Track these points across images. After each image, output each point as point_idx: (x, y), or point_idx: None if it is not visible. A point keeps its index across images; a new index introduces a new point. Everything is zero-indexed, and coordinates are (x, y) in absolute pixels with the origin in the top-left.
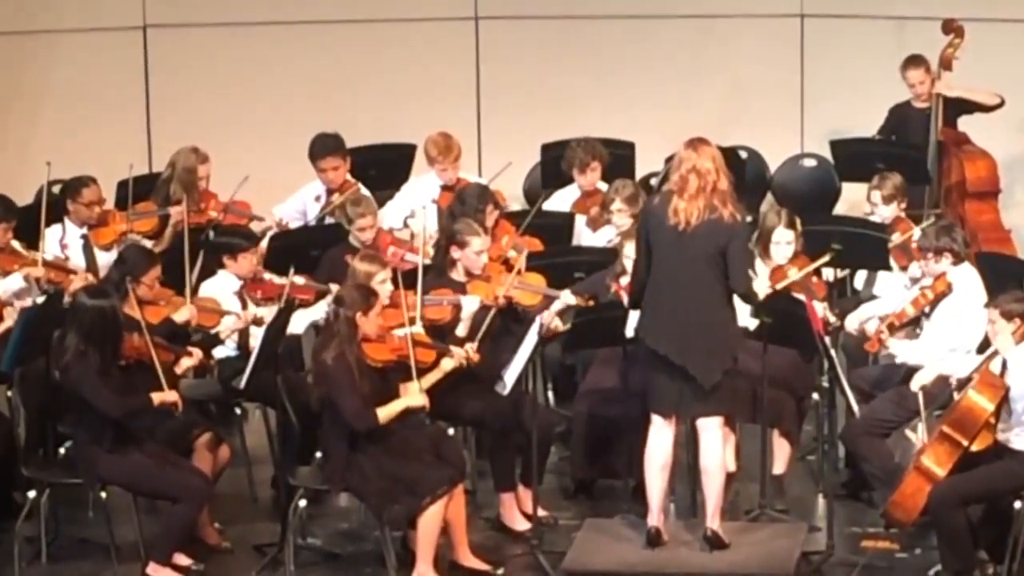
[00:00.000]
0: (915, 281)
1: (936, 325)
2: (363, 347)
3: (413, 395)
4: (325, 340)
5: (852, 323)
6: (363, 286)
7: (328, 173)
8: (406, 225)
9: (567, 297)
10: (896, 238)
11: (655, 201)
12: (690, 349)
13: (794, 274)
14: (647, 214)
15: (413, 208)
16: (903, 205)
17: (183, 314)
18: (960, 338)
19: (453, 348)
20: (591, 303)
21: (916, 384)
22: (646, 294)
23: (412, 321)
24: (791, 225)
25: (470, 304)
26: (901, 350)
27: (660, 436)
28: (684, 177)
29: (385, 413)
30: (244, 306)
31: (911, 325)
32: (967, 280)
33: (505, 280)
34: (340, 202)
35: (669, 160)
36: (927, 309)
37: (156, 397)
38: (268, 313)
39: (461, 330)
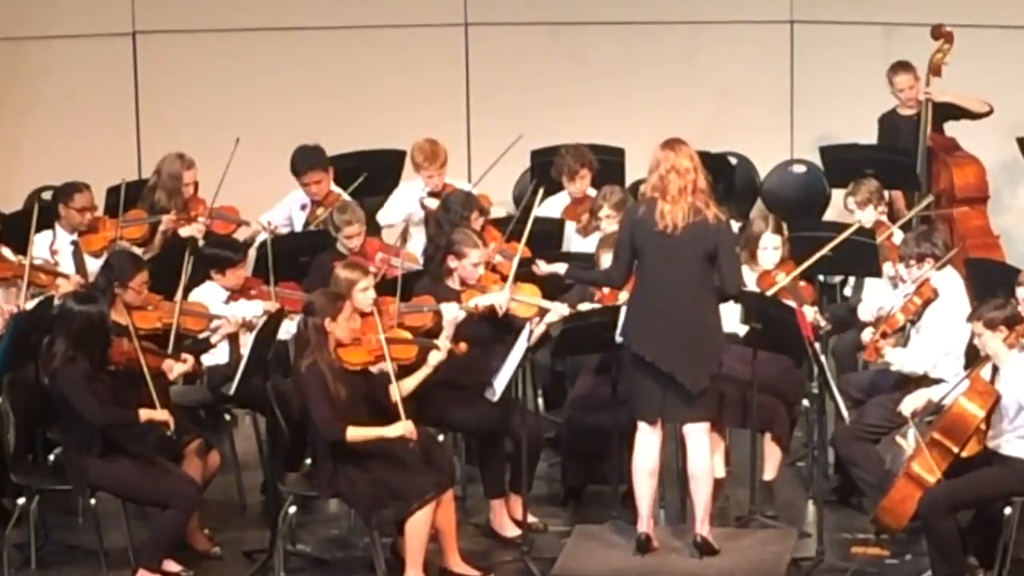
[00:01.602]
0: (893, 281)
1: (927, 331)
2: (339, 352)
3: (393, 426)
4: (299, 349)
5: (866, 312)
6: (330, 292)
7: (311, 187)
8: (423, 205)
9: (560, 308)
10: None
11: (641, 210)
12: (677, 355)
13: (782, 279)
14: (634, 224)
15: (410, 212)
16: (880, 208)
17: (175, 370)
18: (951, 342)
19: (437, 341)
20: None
21: (907, 409)
22: (632, 300)
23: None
24: (778, 230)
25: (449, 312)
26: (896, 358)
27: (647, 442)
28: (664, 177)
29: (356, 433)
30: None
31: (901, 332)
32: (951, 284)
33: (499, 291)
34: (324, 216)
35: None
36: (911, 317)
37: (144, 414)
38: (251, 309)
39: (442, 338)
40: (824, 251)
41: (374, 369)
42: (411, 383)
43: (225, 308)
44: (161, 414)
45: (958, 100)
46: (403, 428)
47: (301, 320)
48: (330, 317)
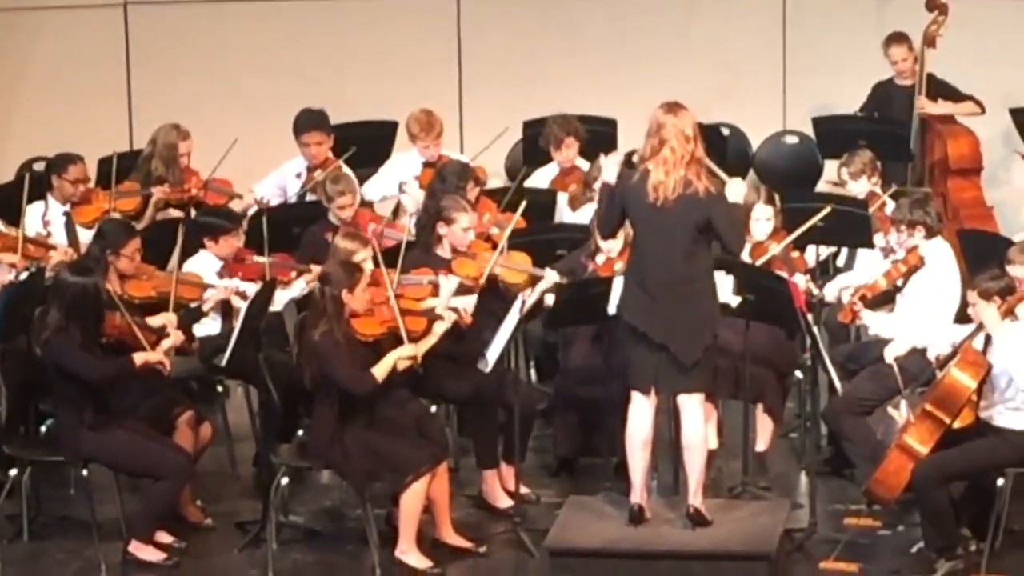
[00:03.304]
0: (884, 251)
1: (909, 299)
2: (352, 323)
3: (403, 347)
4: (312, 319)
5: (831, 291)
6: (348, 263)
7: (311, 148)
8: (402, 190)
9: (551, 275)
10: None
11: (634, 178)
12: (670, 326)
13: (774, 248)
14: (626, 190)
15: (402, 181)
16: (874, 179)
17: (159, 319)
18: (934, 311)
19: (439, 311)
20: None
21: (889, 355)
22: (627, 271)
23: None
24: (770, 201)
25: (448, 285)
26: (875, 322)
27: (640, 413)
28: (664, 141)
29: (380, 370)
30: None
31: (886, 300)
32: (939, 254)
33: (490, 258)
34: (322, 179)
35: None
36: (900, 283)
37: (138, 357)
38: (250, 287)
39: (440, 310)
40: (815, 219)
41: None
42: (421, 348)
43: (220, 281)
44: (155, 355)
45: (952, 110)
46: (412, 348)
47: (317, 290)
48: (347, 289)
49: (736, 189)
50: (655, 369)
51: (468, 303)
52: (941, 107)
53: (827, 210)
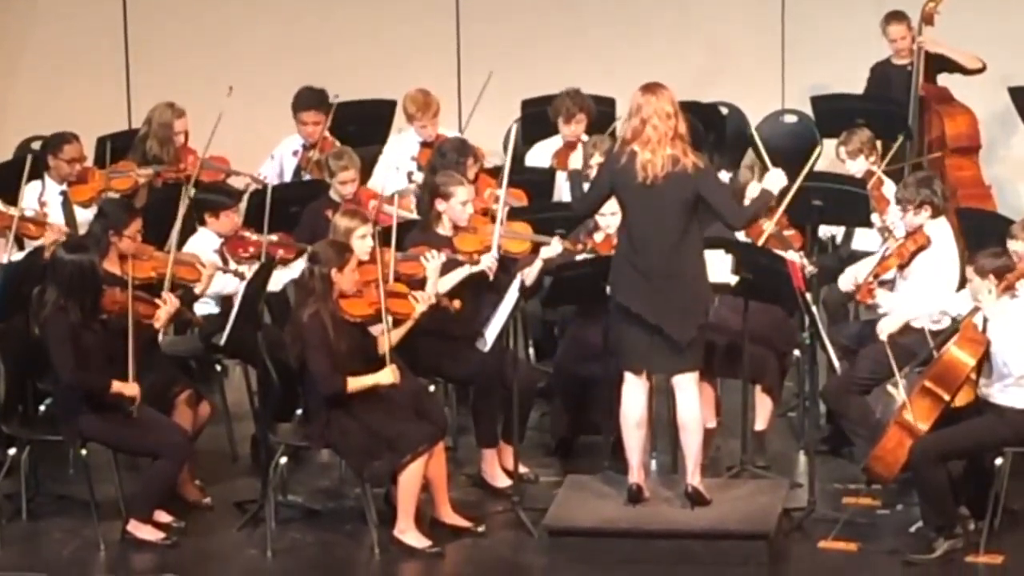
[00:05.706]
0: (882, 231)
1: (914, 279)
2: (340, 303)
3: (384, 373)
4: (302, 298)
5: (846, 283)
6: (337, 242)
7: (308, 127)
8: (411, 180)
9: (556, 244)
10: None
11: (622, 160)
12: (663, 306)
13: (768, 226)
14: (615, 175)
15: (410, 171)
16: (872, 159)
17: (161, 315)
18: (938, 291)
19: (419, 293)
20: (579, 247)
21: (883, 333)
22: (618, 251)
23: (386, 279)
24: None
25: (433, 262)
26: (887, 301)
27: (633, 393)
28: (645, 121)
29: (354, 384)
30: (225, 263)
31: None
32: (941, 234)
33: (492, 231)
34: (318, 160)
35: None
36: (903, 262)
37: (116, 385)
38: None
39: (429, 288)
40: (798, 181)
41: (374, 330)
42: (395, 336)
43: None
44: (131, 388)
45: (951, 53)
46: (391, 374)
47: (306, 268)
48: (336, 268)
49: (775, 179)
50: (648, 349)
51: (490, 261)
52: (942, 47)
53: (817, 153)
